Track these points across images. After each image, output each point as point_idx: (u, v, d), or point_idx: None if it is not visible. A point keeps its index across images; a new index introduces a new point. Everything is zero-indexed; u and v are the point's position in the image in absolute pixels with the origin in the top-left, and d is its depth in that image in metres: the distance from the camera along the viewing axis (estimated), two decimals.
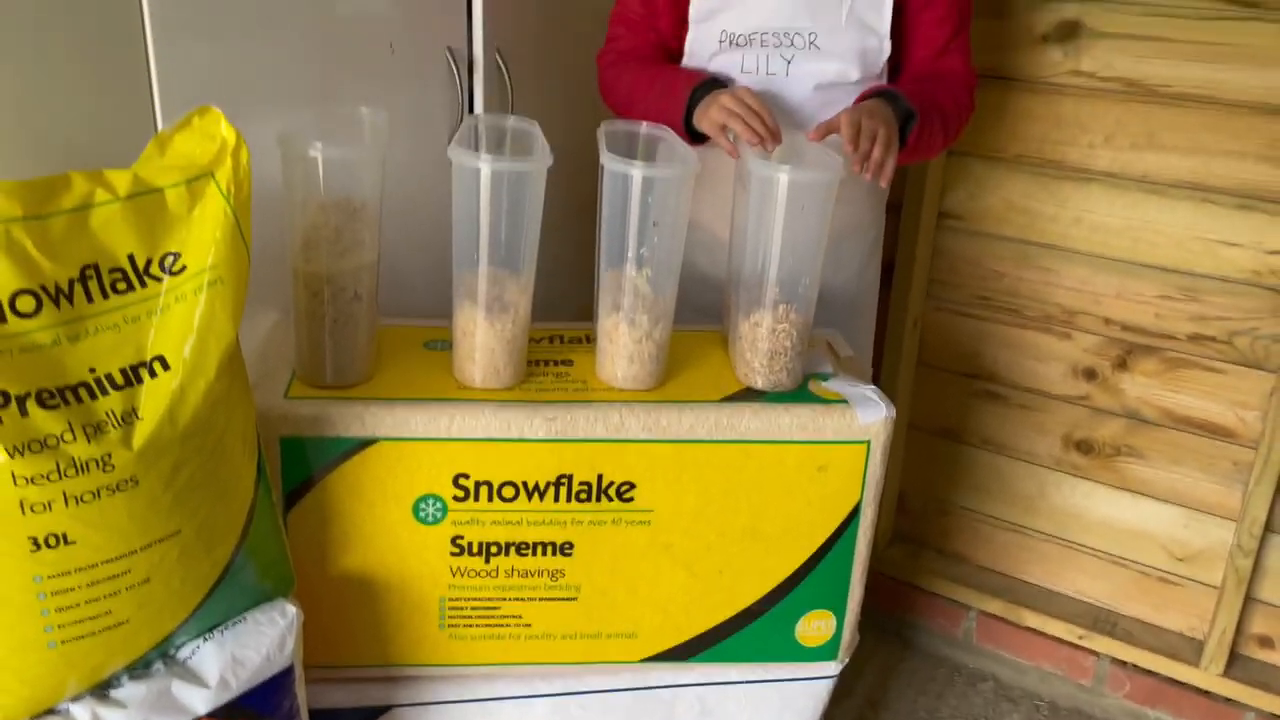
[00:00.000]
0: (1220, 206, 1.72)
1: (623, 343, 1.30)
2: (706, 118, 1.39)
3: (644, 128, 1.46)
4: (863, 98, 1.44)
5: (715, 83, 1.45)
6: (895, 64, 1.53)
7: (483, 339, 1.27)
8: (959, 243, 1.97)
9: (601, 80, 1.61)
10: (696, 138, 1.43)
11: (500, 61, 1.64)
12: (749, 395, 1.32)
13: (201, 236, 1.00)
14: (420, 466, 1.23)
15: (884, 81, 1.51)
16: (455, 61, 1.59)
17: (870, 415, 1.30)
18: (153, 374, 0.95)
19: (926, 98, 1.45)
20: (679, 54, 1.56)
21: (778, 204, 1.26)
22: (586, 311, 1.46)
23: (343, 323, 1.23)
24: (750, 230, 1.31)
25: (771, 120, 1.34)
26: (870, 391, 1.34)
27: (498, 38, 1.63)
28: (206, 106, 1.04)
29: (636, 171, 1.23)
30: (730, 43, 1.49)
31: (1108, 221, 1.81)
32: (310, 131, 1.24)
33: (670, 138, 1.40)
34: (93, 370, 0.92)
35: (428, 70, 1.58)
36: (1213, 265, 1.75)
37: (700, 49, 1.53)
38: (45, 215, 0.91)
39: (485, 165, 1.19)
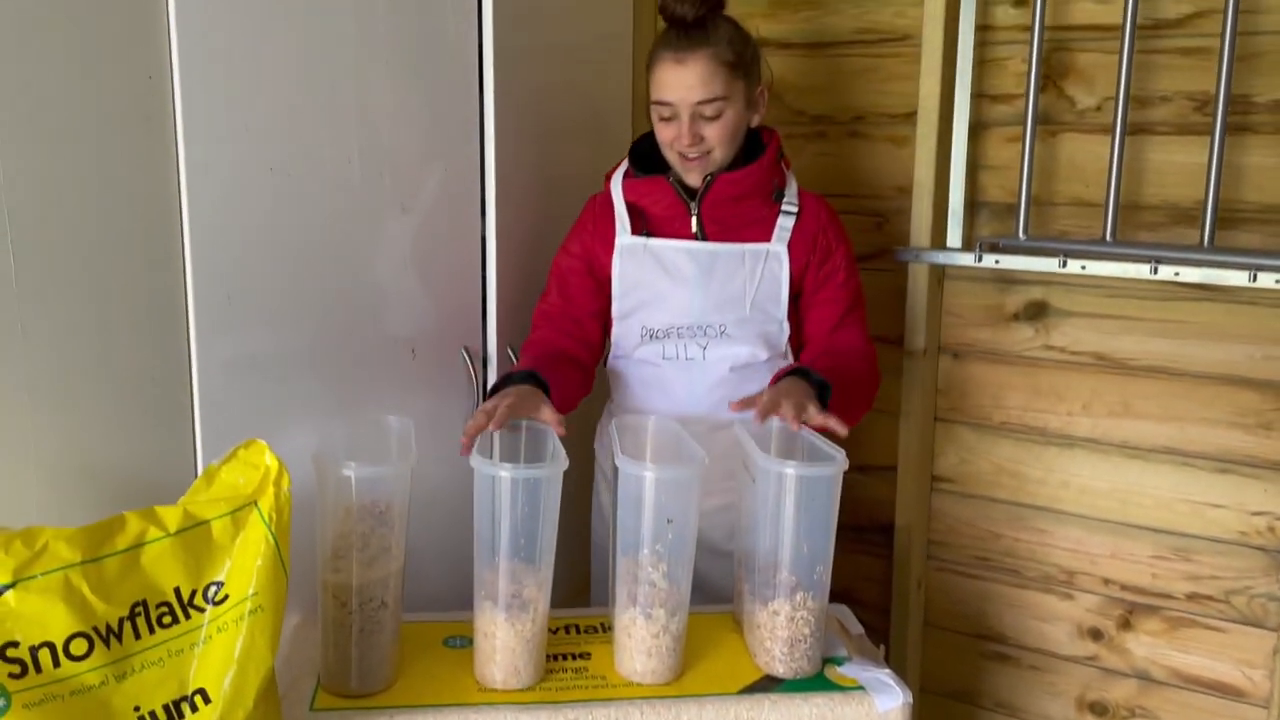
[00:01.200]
0: (1200, 470, 1.80)
1: (640, 637, 1.33)
2: None
3: (652, 422, 1.56)
4: (777, 378, 1.55)
5: (511, 379, 1.51)
6: (798, 340, 1.69)
7: (503, 640, 1.29)
8: (954, 505, 2.03)
9: None
10: None
11: (513, 357, 1.75)
12: (767, 684, 1.34)
13: (244, 564, 1.05)
14: None
15: (789, 355, 1.67)
16: (471, 359, 1.71)
17: (888, 702, 1.31)
18: (194, 708, 0.97)
19: (835, 368, 1.56)
20: (592, 338, 1.68)
21: (787, 497, 1.33)
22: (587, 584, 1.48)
23: (369, 631, 1.26)
24: (762, 521, 1.37)
25: (486, 419, 1.38)
26: (885, 676, 1.36)
27: (510, 335, 1.76)
28: (253, 439, 1.11)
29: (650, 474, 1.30)
30: (650, 336, 1.65)
31: (1094, 484, 1.89)
32: (341, 443, 1.33)
33: (681, 433, 1.49)
34: (137, 709, 0.95)
35: (445, 368, 1.69)
36: (1201, 526, 1.81)
37: (625, 342, 1.68)
38: (101, 558, 0.96)
39: (504, 473, 1.26)
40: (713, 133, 1.56)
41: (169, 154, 1.24)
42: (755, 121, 1.63)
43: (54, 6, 1.10)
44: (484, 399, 1.74)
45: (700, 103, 1.53)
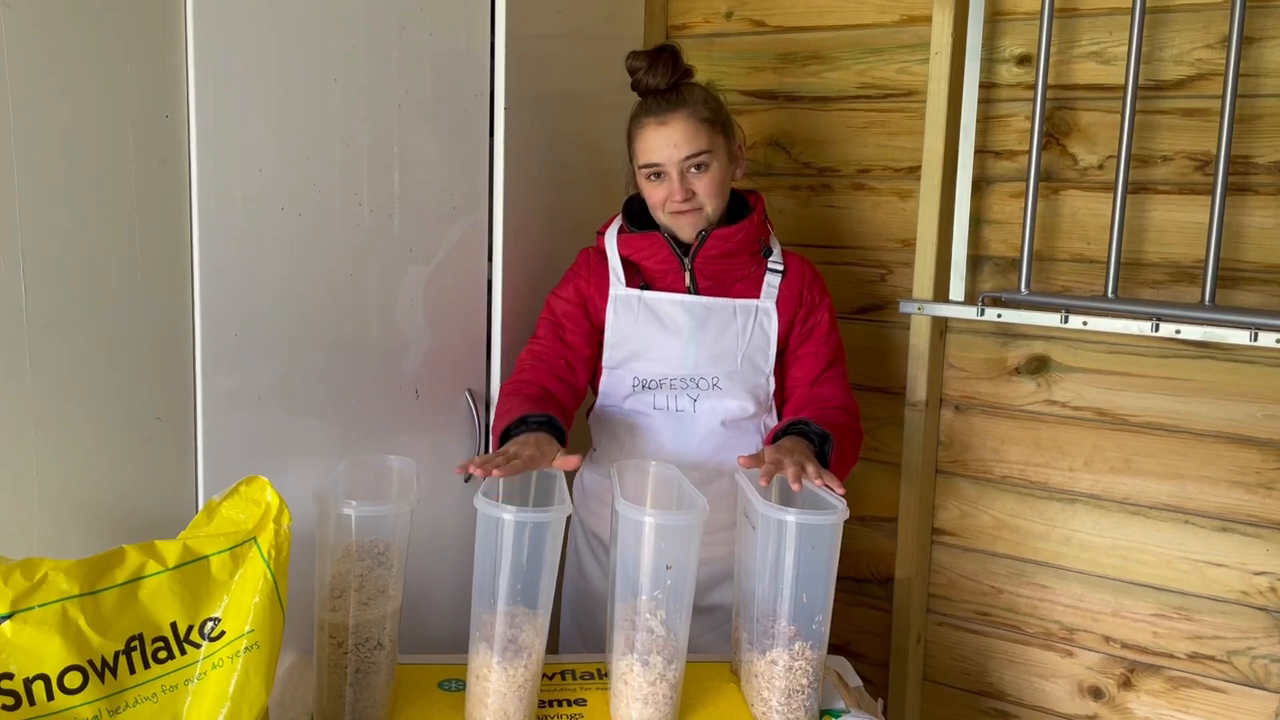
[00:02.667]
0: (1201, 528, 1.79)
1: (636, 684, 1.32)
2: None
3: (653, 467, 1.56)
4: (775, 433, 1.56)
5: (525, 423, 1.50)
6: (780, 394, 1.70)
7: (495, 684, 1.28)
8: (955, 559, 2.02)
9: None
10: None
11: None
12: None
13: (241, 601, 1.04)
14: None
15: (774, 409, 1.69)
16: (474, 402, 1.71)
17: None
18: None
19: (825, 421, 1.57)
20: (581, 384, 1.68)
21: (787, 545, 1.33)
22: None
23: (365, 671, 1.25)
24: (761, 569, 1.36)
25: (503, 463, 1.36)
26: None
27: None
28: (254, 476, 1.12)
29: (649, 519, 1.30)
30: (642, 386, 1.67)
31: (1096, 541, 1.88)
32: (342, 481, 1.33)
33: (682, 479, 1.49)
34: None
35: (448, 410, 1.69)
36: (1202, 585, 1.80)
37: (615, 390, 1.69)
38: (99, 590, 0.96)
39: (508, 515, 1.26)
40: (702, 186, 1.61)
41: (183, 192, 1.26)
42: (739, 175, 1.68)
43: (71, 46, 1.12)
44: (486, 441, 1.74)
45: (687, 158, 1.59)
